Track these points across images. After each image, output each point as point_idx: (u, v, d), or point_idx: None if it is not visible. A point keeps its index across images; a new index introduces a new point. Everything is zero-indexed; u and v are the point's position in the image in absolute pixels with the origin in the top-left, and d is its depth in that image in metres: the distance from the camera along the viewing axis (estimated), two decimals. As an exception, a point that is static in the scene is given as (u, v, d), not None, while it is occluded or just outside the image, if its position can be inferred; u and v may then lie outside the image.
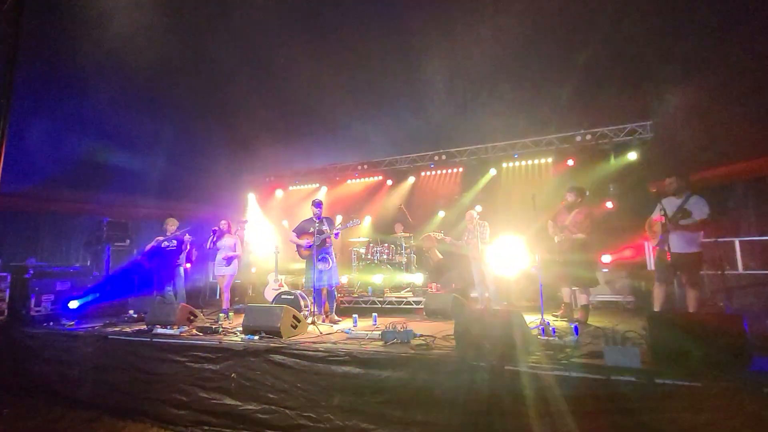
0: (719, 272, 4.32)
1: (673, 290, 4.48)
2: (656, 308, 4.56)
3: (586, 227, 4.82)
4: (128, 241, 7.84)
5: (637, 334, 3.12)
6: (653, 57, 7.00)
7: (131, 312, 6.06)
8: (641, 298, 6.45)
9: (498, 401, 2.78)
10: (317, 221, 5.54)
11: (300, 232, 5.64)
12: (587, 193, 5.17)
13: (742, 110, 6.91)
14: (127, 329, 4.98)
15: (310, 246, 5.43)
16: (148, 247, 6.58)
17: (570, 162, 7.98)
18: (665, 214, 4.29)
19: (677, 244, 4.20)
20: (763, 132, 6.99)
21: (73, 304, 6.17)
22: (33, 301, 5.94)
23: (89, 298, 6.45)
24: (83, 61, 7.45)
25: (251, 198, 10.94)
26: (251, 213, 10.68)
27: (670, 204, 4.46)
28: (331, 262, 5.51)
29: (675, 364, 2.72)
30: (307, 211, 5.78)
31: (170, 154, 9.26)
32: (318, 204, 5.63)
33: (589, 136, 7.59)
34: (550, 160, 8.19)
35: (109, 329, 5.07)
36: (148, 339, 4.45)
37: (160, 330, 4.68)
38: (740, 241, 7.25)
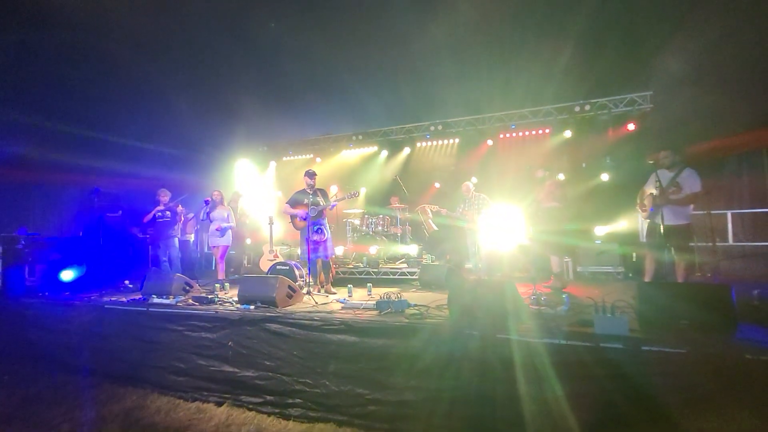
0: (710, 244, 4.38)
1: (663, 261, 4.59)
2: (647, 278, 4.67)
3: (557, 196, 5.21)
4: (120, 211, 7.75)
5: (626, 304, 3.18)
6: (654, 24, 6.80)
7: (126, 282, 6.08)
8: (632, 269, 6.58)
9: (489, 368, 2.86)
10: (311, 192, 5.49)
11: (294, 203, 5.58)
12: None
13: (742, 80, 6.81)
14: (123, 299, 5.01)
15: (305, 218, 5.40)
16: (147, 218, 6.55)
17: (567, 133, 7.88)
18: (660, 187, 4.31)
19: (668, 215, 4.28)
20: (760, 104, 6.92)
21: (67, 275, 6.16)
22: (27, 271, 5.93)
23: (83, 268, 6.44)
24: (69, 28, 7.09)
25: (244, 169, 10.79)
26: (244, 184, 10.56)
27: (664, 177, 4.48)
28: (326, 233, 5.50)
29: (662, 332, 2.80)
30: (301, 183, 5.70)
31: (162, 125, 9.03)
32: (311, 174, 5.56)
33: (588, 107, 7.46)
34: (547, 131, 8.09)
35: (105, 299, 5.10)
36: (145, 309, 4.48)
37: (156, 300, 4.71)
38: (732, 214, 7.34)
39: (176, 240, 6.64)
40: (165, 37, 7.59)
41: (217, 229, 6.37)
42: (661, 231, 4.15)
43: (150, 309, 4.45)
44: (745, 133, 7.68)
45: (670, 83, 6.97)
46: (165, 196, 6.65)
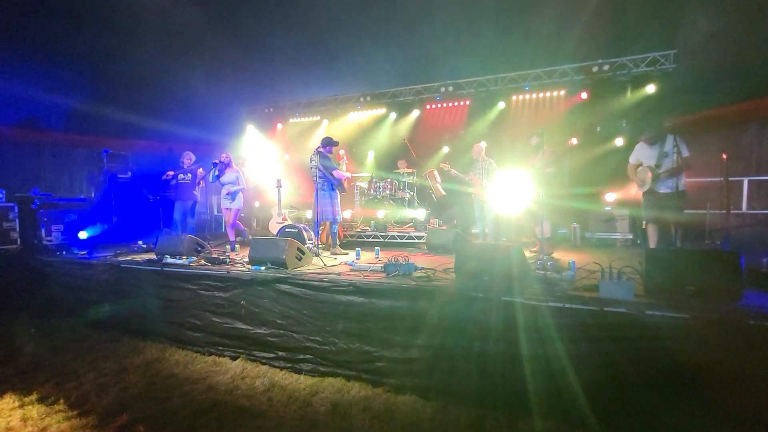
0: (724, 211, 4.34)
1: (665, 228, 4.64)
2: (652, 245, 4.68)
3: (552, 162, 5.35)
4: (130, 173, 7.82)
5: (633, 270, 3.19)
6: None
7: (140, 242, 6.23)
8: (641, 236, 6.54)
9: (493, 328, 2.94)
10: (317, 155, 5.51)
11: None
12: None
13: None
14: (138, 258, 5.16)
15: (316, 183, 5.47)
16: (164, 177, 6.62)
17: (584, 95, 7.59)
18: (658, 157, 4.31)
19: (670, 184, 4.37)
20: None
21: (83, 235, 6.32)
22: (43, 231, 6.09)
23: (98, 228, 6.60)
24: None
25: (251, 130, 10.68)
26: (251, 146, 10.50)
27: (648, 151, 4.59)
28: (329, 196, 5.54)
29: (668, 298, 2.83)
30: (308, 144, 5.67)
31: (169, 88, 8.87)
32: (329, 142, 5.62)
33: (606, 67, 7.12)
34: (562, 92, 7.79)
35: (121, 258, 5.26)
36: (159, 268, 4.62)
37: (170, 260, 4.84)
38: (749, 180, 7.16)
39: (194, 201, 6.72)
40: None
41: (228, 193, 6.42)
42: (662, 199, 4.18)
43: (165, 269, 4.59)
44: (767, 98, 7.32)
45: (695, 41, 6.58)
46: (189, 159, 6.71)
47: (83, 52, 7.99)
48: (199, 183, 6.70)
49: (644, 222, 5.42)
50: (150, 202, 7.27)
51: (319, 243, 5.58)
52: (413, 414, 2.89)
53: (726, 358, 2.31)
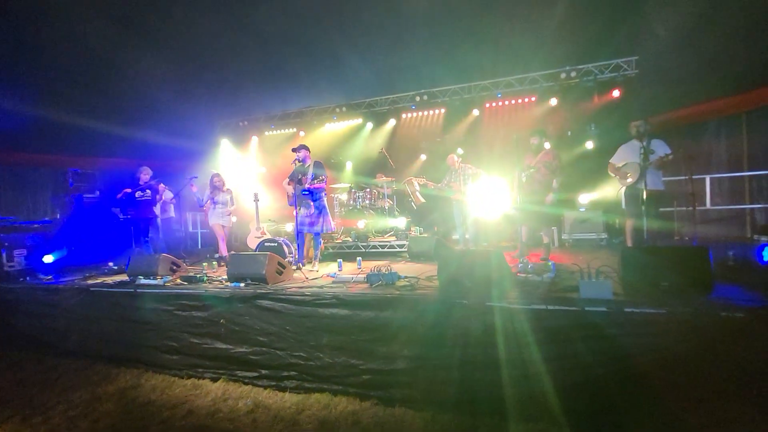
0: (690, 208, 4.53)
1: (642, 225, 4.78)
2: (629, 243, 4.82)
3: (554, 167, 4.96)
4: (98, 192, 7.51)
5: (610, 269, 3.28)
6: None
7: (111, 264, 5.97)
8: (615, 235, 6.76)
9: (478, 335, 2.94)
10: (299, 165, 5.43)
11: (291, 178, 5.55)
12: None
13: (723, 45, 6.82)
14: (109, 281, 4.93)
15: (294, 194, 5.37)
16: (118, 197, 6.34)
17: (553, 101, 7.84)
18: (644, 153, 4.42)
19: (650, 181, 4.45)
20: (739, 69, 6.98)
21: (48, 258, 6.01)
22: (5, 257, 5.75)
23: (64, 251, 6.28)
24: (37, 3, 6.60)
25: (225, 144, 10.49)
26: (226, 159, 10.30)
27: (634, 147, 4.66)
28: (313, 207, 5.45)
29: (644, 294, 2.91)
30: (285, 157, 5.60)
31: (139, 102, 8.62)
32: (296, 149, 5.47)
33: (573, 73, 7.39)
34: (533, 99, 8.03)
35: (90, 282, 5.01)
36: (132, 290, 4.42)
37: (143, 281, 4.65)
38: (711, 178, 7.54)
39: (158, 220, 6.50)
40: (136, 11, 7.14)
41: (226, 213, 6.38)
42: (644, 196, 4.26)
43: (137, 290, 4.40)
44: (724, 98, 7.78)
45: (655, 48, 6.94)
46: (146, 174, 6.45)
47: (45, 66, 7.69)
48: (158, 199, 6.47)
49: (622, 220, 5.57)
50: (120, 222, 6.99)
51: (301, 256, 5.49)
52: (403, 426, 2.84)
53: (701, 350, 2.38)
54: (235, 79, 8.86)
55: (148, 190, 6.34)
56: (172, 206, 7.17)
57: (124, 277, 4.94)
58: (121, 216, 7.01)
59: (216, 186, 6.34)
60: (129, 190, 6.31)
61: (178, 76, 8.54)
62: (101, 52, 7.70)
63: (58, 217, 7.54)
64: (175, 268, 4.94)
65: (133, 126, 8.83)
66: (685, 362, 2.39)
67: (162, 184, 6.47)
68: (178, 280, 4.62)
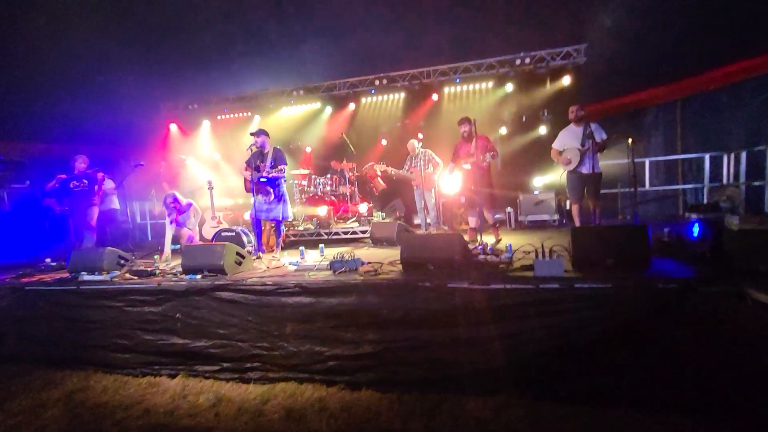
0: (631, 189, 4.90)
1: (585, 206, 5.13)
2: (577, 224, 5.13)
3: (492, 149, 5.15)
4: (28, 182, 6.83)
5: (561, 248, 3.46)
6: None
7: (48, 260, 5.48)
8: (567, 216, 7.14)
9: (441, 316, 3.02)
10: (257, 151, 5.23)
11: (248, 164, 5.31)
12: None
13: (663, 35, 7.27)
14: (47, 278, 4.53)
15: (252, 180, 5.16)
16: (49, 186, 5.78)
17: (509, 87, 8.06)
18: (592, 138, 4.70)
19: (590, 165, 4.81)
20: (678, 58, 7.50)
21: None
22: None
23: (-8, 248, 5.70)
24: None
25: (173, 129, 9.87)
26: (175, 146, 9.71)
27: (575, 132, 4.98)
28: (272, 195, 5.28)
29: (592, 271, 3.12)
30: (240, 142, 5.36)
31: (71, 81, 7.80)
32: (254, 133, 5.26)
33: (527, 60, 7.61)
34: (490, 84, 8.20)
35: (25, 280, 4.58)
36: (74, 287, 4.10)
37: (87, 277, 4.31)
38: (650, 162, 8.14)
39: (95, 209, 5.98)
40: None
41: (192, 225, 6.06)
42: (583, 179, 4.61)
43: (81, 287, 4.08)
44: (662, 86, 8.36)
45: (601, 36, 7.28)
46: (82, 162, 5.91)
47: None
48: (99, 190, 5.97)
49: (567, 202, 5.91)
50: (56, 215, 6.40)
51: (260, 244, 5.33)
52: (370, 408, 2.88)
53: (642, 320, 2.60)
54: (179, 63, 8.25)
55: (84, 180, 5.83)
56: (114, 197, 6.64)
57: (64, 274, 4.55)
58: (57, 208, 6.42)
59: (173, 209, 5.65)
60: (64, 176, 5.76)
61: (118, 52, 7.80)
62: (25, 18, 6.85)
63: (-18, 209, 6.80)
64: (123, 262, 4.63)
65: (65, 109, 8.02)
66: (626, 331, 2.60)
67: (101, 173, 5.97)
68: (127, 275, 4.34)
